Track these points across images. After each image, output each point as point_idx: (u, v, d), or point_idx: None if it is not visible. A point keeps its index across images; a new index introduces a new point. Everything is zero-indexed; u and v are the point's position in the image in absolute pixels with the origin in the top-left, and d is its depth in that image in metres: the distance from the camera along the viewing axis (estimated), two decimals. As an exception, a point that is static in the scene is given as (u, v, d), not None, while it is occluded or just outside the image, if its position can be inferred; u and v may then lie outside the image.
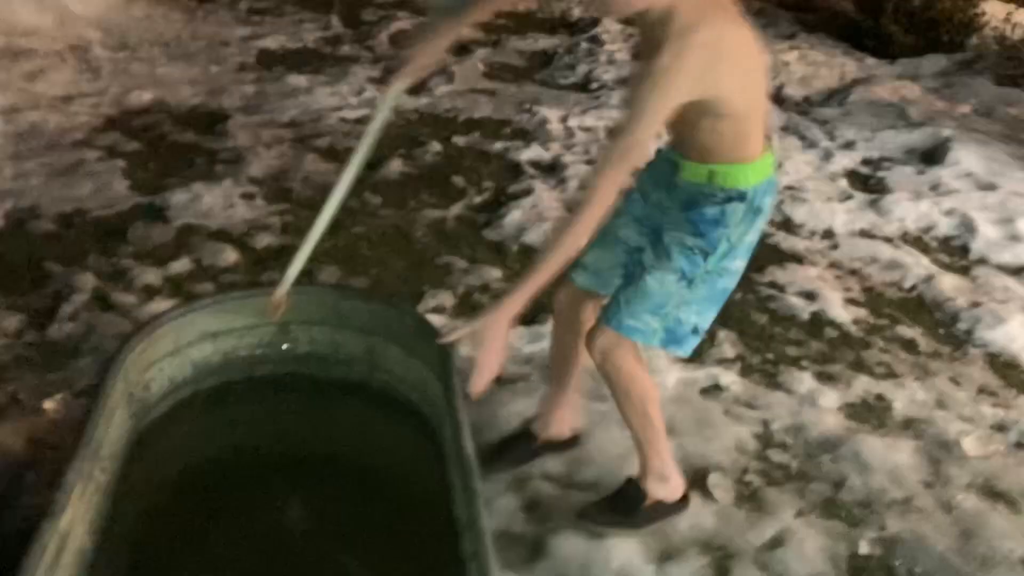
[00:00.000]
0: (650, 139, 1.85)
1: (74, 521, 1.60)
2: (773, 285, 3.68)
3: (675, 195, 2.11)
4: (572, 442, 2.64)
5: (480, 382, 1.84)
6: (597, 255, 2.24)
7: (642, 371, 2.23)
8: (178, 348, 2.12)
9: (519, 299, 1.88)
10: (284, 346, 2.24)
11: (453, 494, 1.87)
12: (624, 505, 2.38)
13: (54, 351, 3.02)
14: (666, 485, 2.38)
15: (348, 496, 2.05)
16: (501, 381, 2.92)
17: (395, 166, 4.44)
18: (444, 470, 1.96)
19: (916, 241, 4.10)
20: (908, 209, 4.28)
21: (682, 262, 2.05)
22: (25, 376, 2.87)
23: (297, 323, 2.23)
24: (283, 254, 3.67)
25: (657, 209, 2.16)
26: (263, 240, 3.73)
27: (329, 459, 2.13)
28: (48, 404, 2.73)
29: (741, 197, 2.02)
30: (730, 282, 2.17)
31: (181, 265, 3.52)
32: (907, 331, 3.43)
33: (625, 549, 2.35)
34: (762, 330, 3.39)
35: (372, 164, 4.36)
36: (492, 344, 1.84)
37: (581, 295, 2.32)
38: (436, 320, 3.26)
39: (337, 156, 4.44)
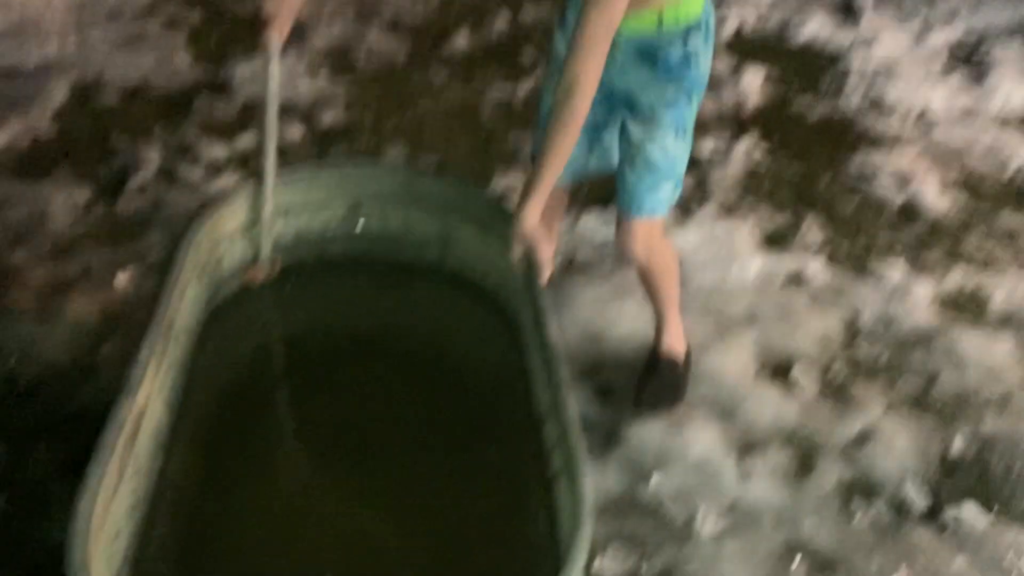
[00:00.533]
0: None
1: (150, 396, 1.57)
2: (863, 169, 3.47)
3: (625, 56, 1.93)
4: None
5: (545, 278, 1.84)
6: None
7: (670, 242, 2.31)
8: (250, 224, 2.05)
9: (539, 198, 1.81)
10: (357, 226, 2.15)
11: (531, 381, 1.80)
12: (672, 381, 2.35)
13: (123, 225, 2.99)
14: (682, 339, 2.42)
15: (421, 380, 1.99)
16: (572, 266, 2.82)
17: (461, 40, 4.24)
18: (521, 356, 1.89)
19: (1021, 124, 3.81)
20: (1013, 89, 3.97)
21: (671, 116, 1.97)
22: (96, 250, 2.86)
23: (369, 202, 2.14)
24: (349, 132, 3.57)
25: (608, 79, 1.95)
26: (328, 115, 3.61)
27: (402, 343, 2.07)
28: (120, 278, 2.72)
29: (698, 25, 1.92)
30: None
31: (246, 140, 3.44)
32: (1009, 220, 3.21)
33: (704, 438, 2.28)
34: (851, 216, 3.21)
35: (437, 38, 4.18)
36: (541, 244, 1.83)
37: (556, 192, 2.19)
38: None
39: (400, 28, 4.26)
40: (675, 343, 2.40)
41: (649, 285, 2.29)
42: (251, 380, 1.95)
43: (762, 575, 1.97)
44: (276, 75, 1.94)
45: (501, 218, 2.00)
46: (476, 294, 2.11)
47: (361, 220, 2.16)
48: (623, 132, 2.05)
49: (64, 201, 3.05)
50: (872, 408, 2.41)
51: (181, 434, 1.68)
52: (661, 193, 2.07)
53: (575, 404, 1.47)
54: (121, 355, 2.44)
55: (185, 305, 1.79)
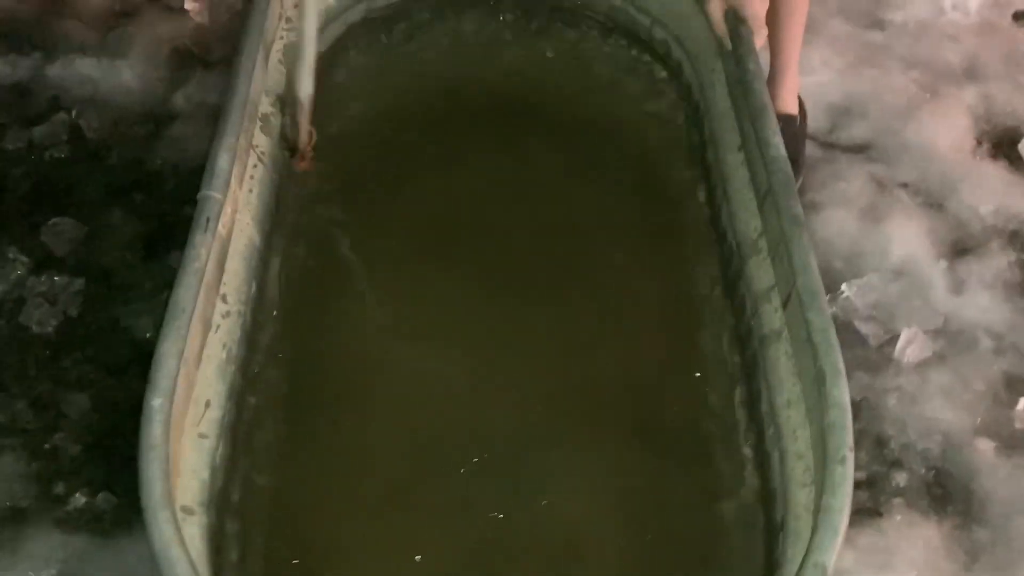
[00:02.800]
0: None
1: (236, 211, 1.20)
2: None
3: None
4: None
5: (760, 41, 1.37)
6: None
7: None
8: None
9: None
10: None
11: (710, 149, 1.36)
12: (792, 158, 1.88)
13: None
14: (796, 96, 1.95)
15: (565, 146, 1.55)
16: None
17: None
18: (694, 124, 1.43)
19: None
20: None
21: None
22: (161, -34, 2.38)
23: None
24: None
25: None
26: None
27: (544, 105, 1.61)
28: (190, 3, 2.26)
29: None
30: None
31: None
32: None
33: (907, 236, 1.85)
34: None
35: None
36: None
37: None
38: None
39: None
40: (791, 99, 1.93)
41: (779, 8, 1.78)
42: (362, 160, 1.54)
43: (979, 416, 1.62)
44: None
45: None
46: (642, 45, 1.60)
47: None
48: None
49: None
50: (1121, 199, 1.91)
51: (275, 247, 1.33)
52: None
53: (814, 260, 1.04)
54: (197, 104, 2.06)
55: (270, 72, 1.36)
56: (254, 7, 1.34)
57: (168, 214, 1.88)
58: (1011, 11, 2.25)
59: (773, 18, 1.77)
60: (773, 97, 1.89)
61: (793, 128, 1.92)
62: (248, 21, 1.31)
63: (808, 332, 1.02)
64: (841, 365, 0.99)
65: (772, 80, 1.89)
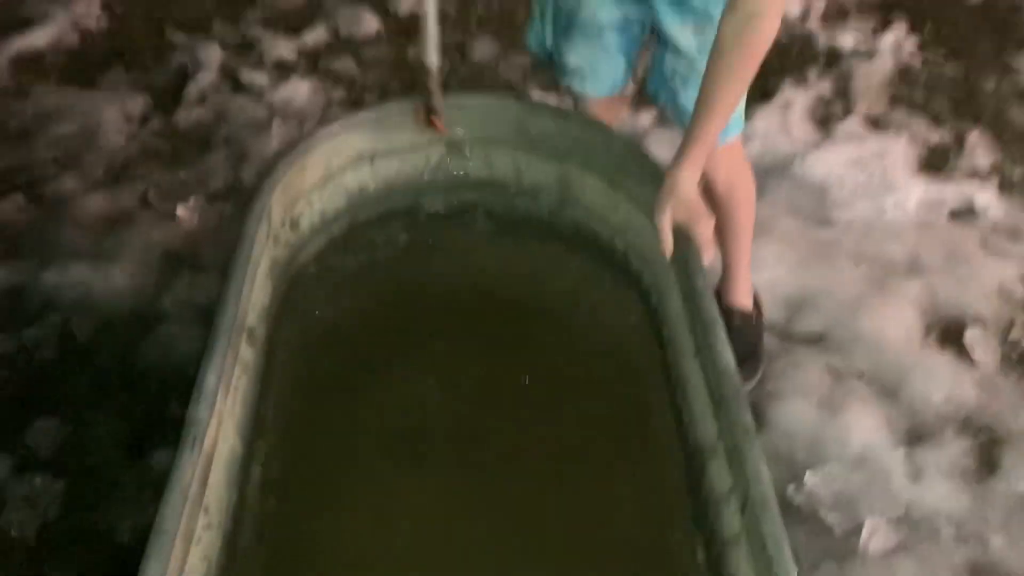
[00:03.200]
0: None
1: (221, 423, 1.27)
2: (1037, 69, 2.93)
3: None
4: None
5: (708, 258, 1.45)
6: (585, 55, 1.71)
7: (749, 164, 1.91)
8: (329, 175, 1.69)
9: (701, 153, 1.42)
10: (456, 171, 1.78)
11: (677, 382, 1.45)
12: (749, 341, 2.00)
13: (183, 141, 2.66)
14: (751, 290, 2.05)
15: (534, 351, 1.65)
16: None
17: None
18: (664, 348, 1.53)
19: None
20: None
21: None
22: (154, 172, 2.54)
23: (472, 142, 1.76)
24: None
25: None
26: (406, 2, 3.16)
27: (511, 311, 1.72)
28: (181, 210, 2.40)
29: None
30: None
31: (315, 35, 3.04)
32: None
33: (865, 425, 1.92)
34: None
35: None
36: (702, 214, 1.44)
37: (604, 104, 1.83)
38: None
39: None
40: (745, 295, 2.02)
41: (726, 221, 1.86)
42: (337, 359, 1.63)
43: (944, 609, 1.65)
44: None
45: (639, 166, 1.61)
46: (602, 256, 1.73)
47: (458, 170, 1.78)
48: (665, 43, 1.61)
49: (117, 112, 2.72)
50: (1065, 385, 2.02)
51: (259, 457, 1.39)
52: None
53: (765, 468, 1.12)
54: (185, 305, 2.16)
55: (256, 292, 1.47)
56: (244, 231, 1.45)
57: (153, 413, 1.94)
58: (946, 210, 2.43)
59: (721, 230, 1.83)
60: (728, 293, 2.01)
61: (750, 322, 2.03)
62: (237, 246, 1.42)
63: (763, 542, 1.08)
64: (793, 573, 1.05)
65: (725, 279, 2.01)
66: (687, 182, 1.42)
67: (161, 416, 1.91)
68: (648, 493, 1.39)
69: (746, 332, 2.01)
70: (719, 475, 1.27)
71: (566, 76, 1.77)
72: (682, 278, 1.45)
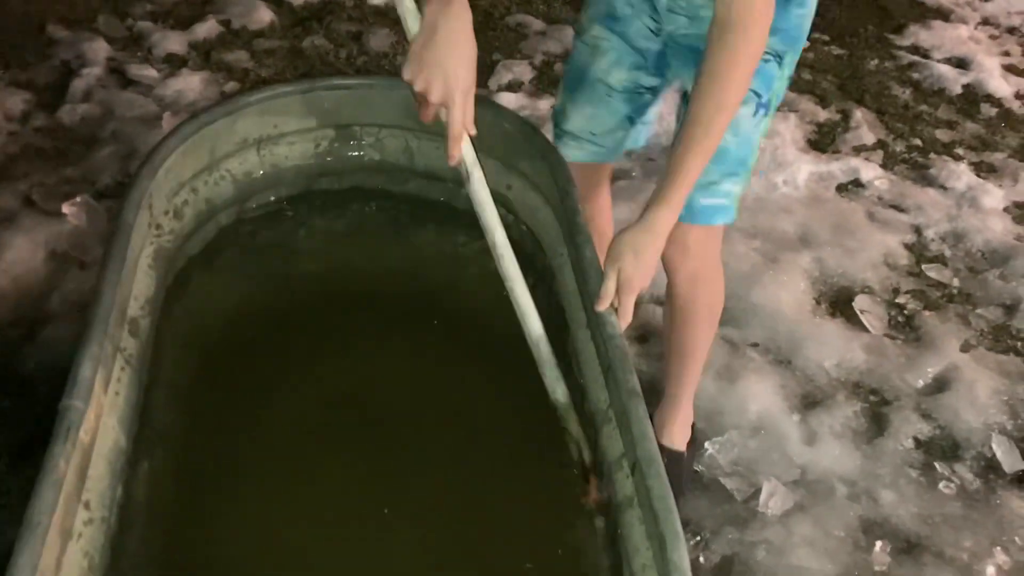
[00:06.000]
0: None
1: (101, 417, 1.23)
2: (916, 49, 3.06)
3: None
4: None
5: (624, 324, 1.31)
6: (587, 116, 1.62)
7: (722, 270, 1.66)
8: (214, 162, 1.65)
9: (676, 206, 1.28)
10: (348, 153, 1.76)
11: (567, 328, 1.46)
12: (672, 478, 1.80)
13: (68, 139, 2.57)
14: (690, 419, 1.83)
15: (432, 341, 1.64)
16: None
17: None
18: (552, 306, 1.54)
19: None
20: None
21: (753, 85, 1.36)
22: (38, 171, 2.44)
23: (362, 125, 1.74)
24: (325, 12, 3.09)
25: (672, 21, 1.44)
26: (301, -7, 3.12)
27: (408, 295, 1.71)
28: (67, 208, 2.31)
29: None
30: None
31: (207, 28, 2.97)
32: (1084, 108, 2.84)
33: (761, 394, 1.97)
34: (906, 108, 2.82)
35: None
36: (650, 272, 1.30)
37: (587, 171, 1.69)
38: (510, 100, 2.74)
39: None
40: (681, 430, 1.81)
41: (680, 329, 1.65)
42: (226, 357, 1.59)
43: (841, 563, 1.70)
44: None
45: (530, 144, 1.61)
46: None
47: (350, 152, 1.76)
48: (652, 96, 1.57)
49: (-3, 110, 2.60)
50: (947, 347, 2.11)
51: (146, 456, 1.35)
52: (718, 196, 1.47)
53: (651, 429, 1.14)
54: (75, 305, 2.09)
55: (137, 284, 1.42)
56: (122, 219, 1.40)
57: (42, 418, 1.86)
58: (834, 184, 2.51)
59: (670, 343, 1.69)
60: (662, 426, 1.77)
61: (679, 462, 1.79)
62: (114, 234, 1.37)
63: (649, 498, 1.09)
64: (679, 528, 1.06)
65: (664, 408, 1.78)
66: (661, 222, 1.27)
67: (51, 419, 1.82)
68: (554, 467, 1.40)
69: (671, 472, 1.49)
70: (611, 441, 1.28)
71: (561, 139, 1.67)
72: (573, 254, 1.46)
